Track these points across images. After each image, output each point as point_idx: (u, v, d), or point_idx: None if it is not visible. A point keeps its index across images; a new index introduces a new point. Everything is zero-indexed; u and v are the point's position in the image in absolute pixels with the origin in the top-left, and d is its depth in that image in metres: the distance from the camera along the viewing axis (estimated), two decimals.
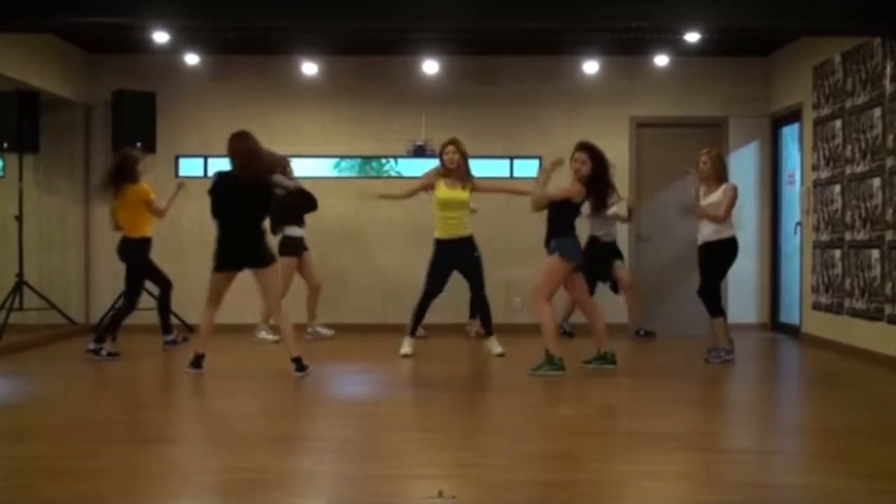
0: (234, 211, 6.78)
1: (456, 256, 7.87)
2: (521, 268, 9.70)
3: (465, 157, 7.89)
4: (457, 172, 7.87)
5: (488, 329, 7.98)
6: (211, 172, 9.45)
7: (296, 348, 6.84)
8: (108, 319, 8.27)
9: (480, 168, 9.82)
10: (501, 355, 7.82)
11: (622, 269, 9.33)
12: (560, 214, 7.12)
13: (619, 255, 9.40)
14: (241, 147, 6.79)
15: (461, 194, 7.87)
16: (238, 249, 6.81)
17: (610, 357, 7.23)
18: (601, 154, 7.11)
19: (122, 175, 7.73)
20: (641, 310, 9.48)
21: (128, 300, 7.86)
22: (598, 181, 7.10)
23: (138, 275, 7.92)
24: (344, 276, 9.96)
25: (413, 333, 7.99)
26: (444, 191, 7.87)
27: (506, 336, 8.13)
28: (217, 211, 6.84)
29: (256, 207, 6.88)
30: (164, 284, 8.13)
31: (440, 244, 7.89)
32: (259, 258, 6.86)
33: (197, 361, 6.91)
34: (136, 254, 7.87)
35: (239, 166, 6.79)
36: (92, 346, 7.70)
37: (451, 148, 7.88)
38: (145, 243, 7.94)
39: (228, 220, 6.80)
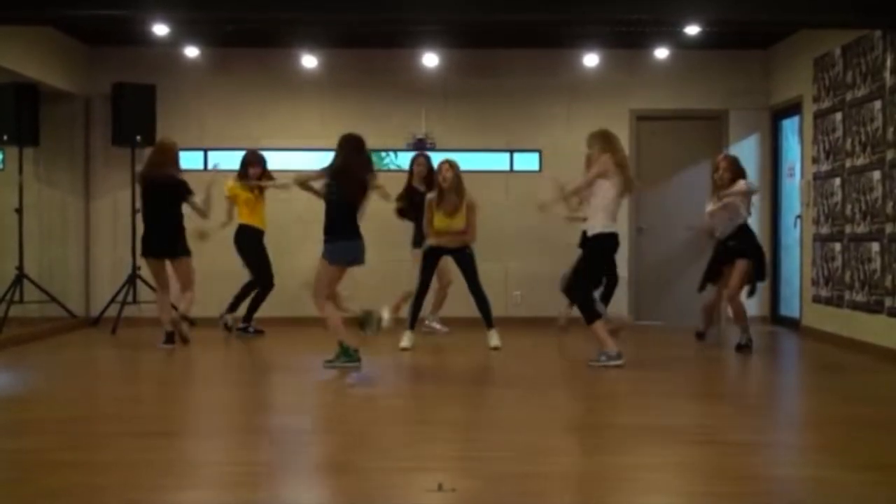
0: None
1: (448, 252, 7.95)
2: (519, 261, 9.70)
3: (459, 178, 7.87)
4: (450, 192, 7.84)
5: (488, 322, 7.98)
6: (210, 165, 9.49)
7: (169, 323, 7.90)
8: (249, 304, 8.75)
9: (480, 162, 9.86)
10: (497, 349, 7.83)
11: (736, 272, 7.75)
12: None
13: (743, 253, 7.74)
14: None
15: (457, 223, 7.84)
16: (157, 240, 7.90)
17: (352, 353, 6.80)
18: (348, 140, 6.90)
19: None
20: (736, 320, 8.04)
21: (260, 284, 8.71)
22: (341, 170, 6.80)
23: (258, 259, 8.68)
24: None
25: (412, 327, 7.99)
26: (441, 220, 7.86)
27: (504, 329, 8.12)
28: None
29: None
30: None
31: (432, 248, 7.94)
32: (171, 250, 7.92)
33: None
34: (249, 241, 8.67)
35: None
36: (241, 324, 8.70)
37: (445, 166, 7.91)
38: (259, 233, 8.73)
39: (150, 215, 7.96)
